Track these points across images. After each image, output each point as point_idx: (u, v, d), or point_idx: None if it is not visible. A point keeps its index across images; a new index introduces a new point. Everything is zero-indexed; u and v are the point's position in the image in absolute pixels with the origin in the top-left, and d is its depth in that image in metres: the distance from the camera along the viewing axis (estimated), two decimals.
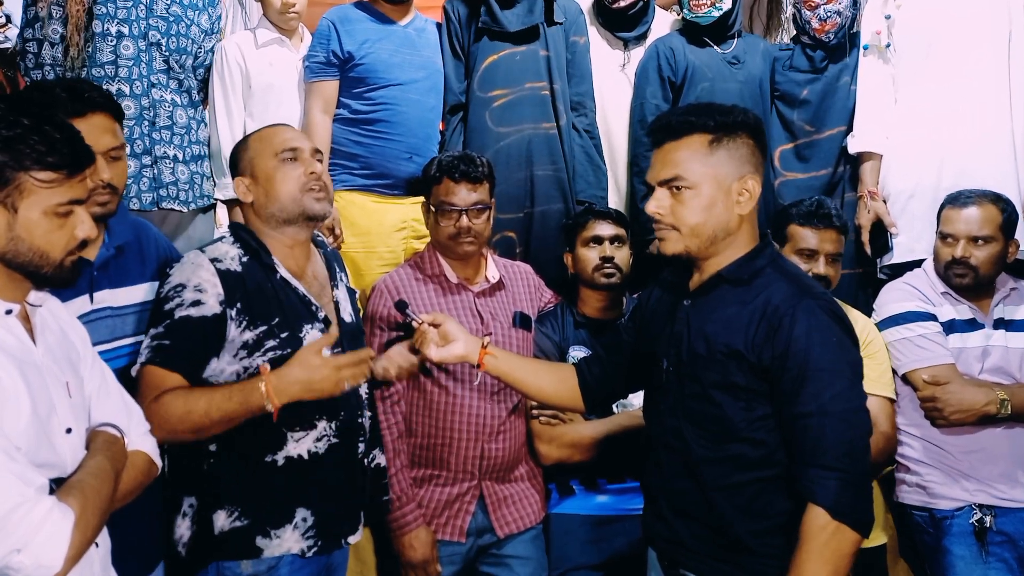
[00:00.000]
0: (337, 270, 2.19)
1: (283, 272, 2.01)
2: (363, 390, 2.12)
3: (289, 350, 1.94)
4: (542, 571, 2.53)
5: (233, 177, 2.10)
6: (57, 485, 1.45)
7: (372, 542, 2.75)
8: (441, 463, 2.45)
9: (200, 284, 1.91)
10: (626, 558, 2.48)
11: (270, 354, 1.94)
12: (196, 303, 1.90)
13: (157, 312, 1.92)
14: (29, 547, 1.34)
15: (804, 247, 2.53)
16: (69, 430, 1.52)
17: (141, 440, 1.69)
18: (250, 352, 1.93)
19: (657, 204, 1.82)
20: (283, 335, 1.95)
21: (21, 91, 2.44)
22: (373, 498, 2.17)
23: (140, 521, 1.88)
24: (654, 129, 1.86)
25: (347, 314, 2.13)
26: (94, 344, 1.74)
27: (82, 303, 1.97)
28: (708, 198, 1.78)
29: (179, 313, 1.89)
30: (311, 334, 1.99)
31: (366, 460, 2.13)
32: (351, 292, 2.22)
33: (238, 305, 1.93)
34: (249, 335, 1.93)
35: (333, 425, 2.01)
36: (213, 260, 1.96)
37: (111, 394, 1.68)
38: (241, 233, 2.04)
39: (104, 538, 1.59)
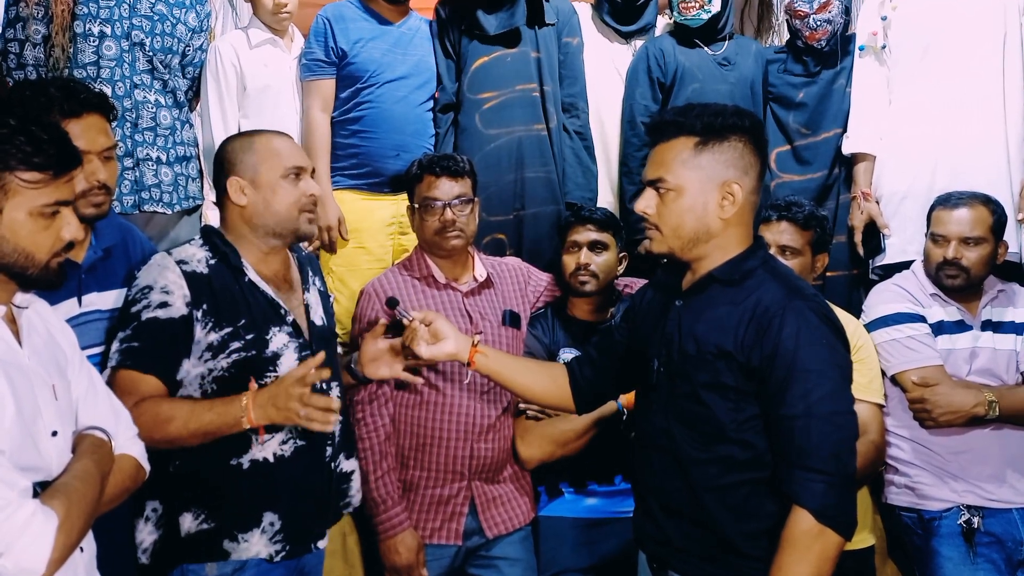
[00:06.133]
0: (310, 274, 2.19)
1: (251, 275, 2.01)
2: (335, 393, 2.10)
3: (254, 352, 1.95)
4: (531, 572, 2.52)
5: (223, 175, 2.07)
6: (42, 488, 1.44)
7: (360, 545, 2.74)
8: (430, 463, 2.43)
9: (166, 286, 1.91)
10: (616, 560, 2.48)
11: (235, 356, 1.93)
12: (163, 304, 1.90)
13: (124, 315, 1.93)
14: (12, 550, 1.33)
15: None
16: (55, 433, 1.51)
17: (129, 444, 1.68)
18: (215, 354, 1.93)
19: (644, 204, 1.83)
20: (248, 337, 1.95)
21: (11, 90, 2.39)
22: (337, 503, 2.15)
23: (125, 526, 1.86)
24: (649, 128, 1.88)
25: (318, 317, 2.13)
26: (83, 347, 1.73)
27: (70, 306, 1.96)
28: (689, 201, 1.78)
29: (146, 315, 1.89)
30: (278, 337, 1.99)
31: (333, 464, 2.11)
32: (324, 296, 2.22)
33: (204, 306, 1.93)
34: (214, 336, 1.93)
35: (299, 428, 1.97)
36: (179, 262, 1.96)
37: (99, 397, 1.67)
38: (212, 237, 2.05)
39: (89, 542, 1.57)
